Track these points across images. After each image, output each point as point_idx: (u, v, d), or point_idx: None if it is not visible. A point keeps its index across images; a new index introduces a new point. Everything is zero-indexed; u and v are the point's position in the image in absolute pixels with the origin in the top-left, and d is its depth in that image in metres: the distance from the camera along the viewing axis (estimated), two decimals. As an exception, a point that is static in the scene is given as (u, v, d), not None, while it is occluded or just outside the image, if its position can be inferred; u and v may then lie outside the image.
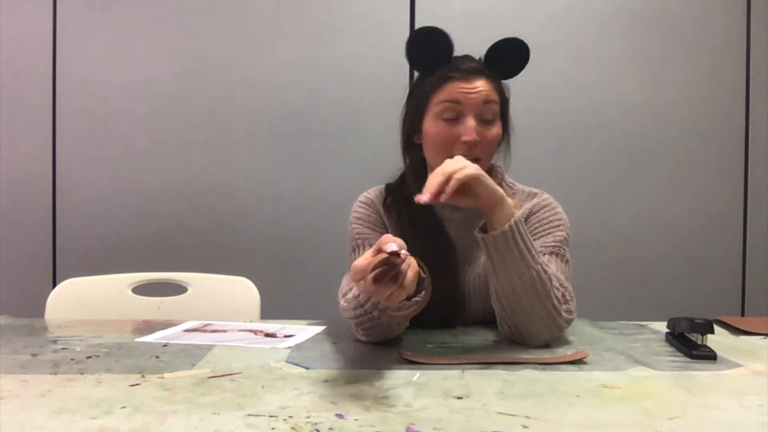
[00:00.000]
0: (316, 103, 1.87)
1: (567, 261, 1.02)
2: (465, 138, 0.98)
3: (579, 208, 1.88)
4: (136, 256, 1.86)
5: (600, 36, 1.88)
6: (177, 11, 1.89)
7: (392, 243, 0.69)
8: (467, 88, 0.99)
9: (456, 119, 1.00)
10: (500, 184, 1.07)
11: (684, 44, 1.88)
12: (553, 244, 1.02)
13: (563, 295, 0.93)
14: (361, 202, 1.12)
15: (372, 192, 1.13)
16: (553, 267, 0.97)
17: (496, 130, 1.02)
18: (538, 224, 1.05)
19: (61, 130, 1.89)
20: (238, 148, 1.89)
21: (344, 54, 1.85)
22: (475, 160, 0.98)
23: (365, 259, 0.71)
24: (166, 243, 1.88)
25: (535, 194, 1.11)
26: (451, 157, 0.95)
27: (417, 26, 1.85)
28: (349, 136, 1.82)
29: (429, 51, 1.02)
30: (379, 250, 0.70)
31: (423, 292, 0.78)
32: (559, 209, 1.09)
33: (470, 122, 0.99)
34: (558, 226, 1.05)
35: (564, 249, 1.03)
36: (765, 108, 1.88)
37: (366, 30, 1.85)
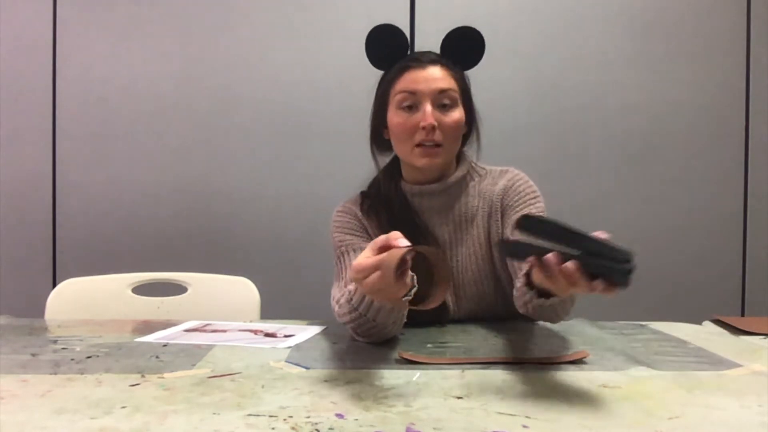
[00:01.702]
0: (316, 104, 1.88)
1: None
2: (422, 123, 1.02)
3: (579, 207, 1.89)
4: (136, 256, 1.86)
5: (600, 36, 1.88)
6: (177, 11, 1.89)
7: (403, 239, 0.70)
8: (422, 76, 1.03)
9: (414, 107, 1.03)
10: (470, 170, 1.13)
11: (684, 44, 1.88)
12: (537, 213, 1.06)
13: None
14: (339, 211, 1.14)
15: (347, 201, 1.16)
16: None
17: (455, 115, 1.05)
18: (517, 197, 1.08)
19: (61, 130, 1.89)
20: (238, 148, 1.89)
21: (344, 54, 1.85)
22: (437, 146, 1.03)
23: (367, 258, 0.71)
24: (166, 243, 1.88)
25: (507, 170, 1.15)
26: (416, 146, 1.02)
27: (417, 26, 1.86)
28: (349, 136, 1.82)
29: (386, 47, 1.07)
30: (382, 248, 0.71)
31: (414, 288, 0.78)
32: (533, 183, 1.12)
33: (427, 108, 1.02)
34: (536, 197, 1.09)
35: None
36: (765, 108, 1.88)
37: (366, 30, 1.84)
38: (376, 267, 0.70)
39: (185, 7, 1.88)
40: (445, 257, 0.75)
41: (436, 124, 1.02)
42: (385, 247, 0.72)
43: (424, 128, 1.02)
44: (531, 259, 0.64)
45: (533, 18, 1.88)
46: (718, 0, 1.88)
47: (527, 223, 0.66)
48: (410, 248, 0.69)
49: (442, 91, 1.03)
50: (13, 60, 1.88)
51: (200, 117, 1.89)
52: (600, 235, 0.62)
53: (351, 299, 0.87)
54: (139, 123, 1.89)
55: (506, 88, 1.86)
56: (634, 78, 1.88)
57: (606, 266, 0.59)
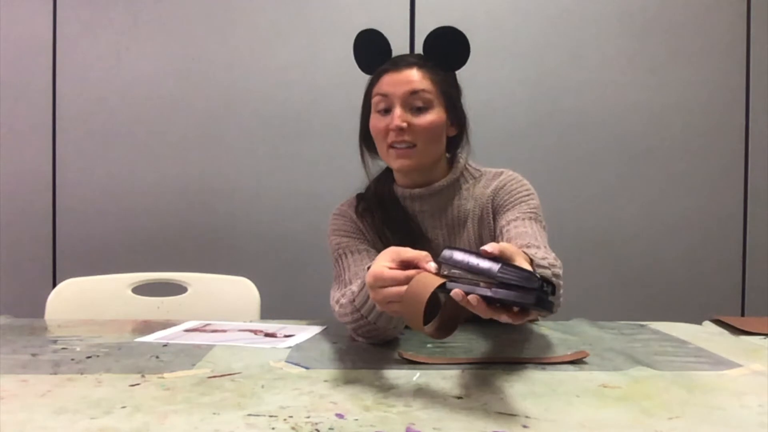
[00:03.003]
0: (317, 103, 1.88)
1: (544, 227, 1.04)
2: (390, 125, 1.02)
3: (579, 208, 1.89)
4: (136, 256, 1.86)
5: (600, 36, 1.88)
6: (177, 12, 1.88)
7: (433, 262, 0.70)
8: (395, 79, 1.04)
9: (389, 110, 1.04)
10: (463, 171, 1.12)
11: (684, 44, 1.88)
12: (528, 210, 1.04)
13: (554, 263, 0.90)
14: (335, 214, 1.15)
15: (344, 204, 1.16)
16: (534, 229, 0.98)
17: (430, 117, 1.04)
18: (508, 195, 1.07)
19: (61, 130, 1.89)
20: (238, 148, 1.89)
21: (344, 54, 1.84)
22: (410, 147, 1.03)
23: (389, 269, 0.71)
24: (166, 243, 1.88)
25: (501, 172, 1.13)
26: (390, 147, 1.03)
27: (417, 27, 1.86)
28: (349, 136, 1.81)
29: (371, 53, 1.08)
30: (406, 263, 0.71)
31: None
32: (527, 182, 1.10)
33: (396, 111, 1.02)
34: (529, 195, 1.07)
35: (540, 215, 1.04)
36: (765, 108, 1.88)
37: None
38: (397, 281, 0.70)
39: (185, 7, 1.88)
40: None
41: (404, 125, 1.02)
42: (410, 264, 0.72)
43: (393, 130, 1.02)
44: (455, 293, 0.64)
45: (533, 18, 1.87)
46: (718, 0, 1.88)
47: (448, 255, 0.68)
48: (444, 281, 0.66)
49: (414, 93, 1.03)
50: (13, 60, 1.88)
51: (200, 117, 1.89)
52: (519, 260, 0.66)
53: (354, 300, 0.87)
54: (139, 122, 1.89)
55: (506, 88, 1.86)
56: (633, 78, 1.88)
57: (511, 300, 0.60)
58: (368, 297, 0.83)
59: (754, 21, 1.87)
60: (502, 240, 0.98)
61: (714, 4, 1.88)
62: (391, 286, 0.71)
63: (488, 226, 1.08)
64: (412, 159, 1.04)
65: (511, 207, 1.05)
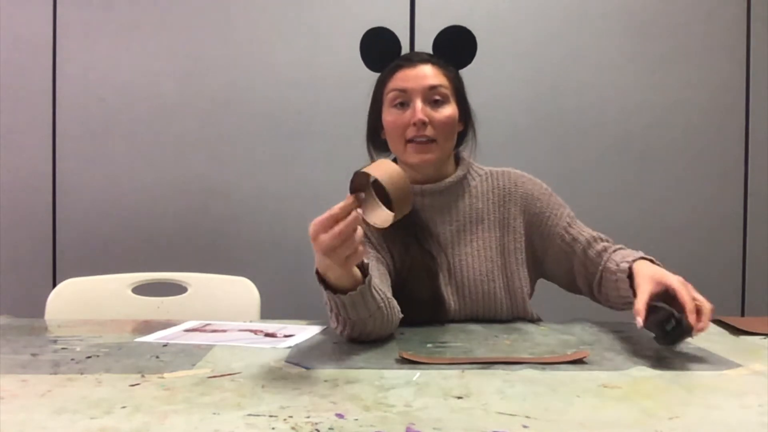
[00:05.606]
0: (316, 104, 1.88)
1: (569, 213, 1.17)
2: (412, 119, 1.03)
3: (579, 208, 1.87)
4: (136, 256, 1.86)
5: (600, 36, 1.88)
6: (177, 11, 1.88)
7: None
8: (412, 74, 1.05)
9: (406, 105, 1.05)
10: (470, 170, 1.14)
11: (684, 44, 1.88)
12: (568, 215, 1.15)
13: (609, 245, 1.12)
14: None
15: None
16: (582, 226, 1.14)
17: (447, 111, 1.06)
18: (546, 207, 1.14)
19: (61, 130, 1.89)
20: (239, 148, 1.89)
21: (343, 54, 1.85)
22: (430, 142, 1.04)
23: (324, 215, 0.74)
24: (166, 243, 1.88)
25: (509, 172, 1.16)
26: (408, 142, 1.04)
27: (417, 26, 1.86)
28: (349, 136, 1.82)
29: (380, 50, 1.09)
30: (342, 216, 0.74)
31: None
32: (540, 182, 1.18)
33: (417, 104, 1.03)
34: (553, 195, 1.17)
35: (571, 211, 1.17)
36: (765, 108, 1.88)
37: (366, 30, 1.84)
38: (335, 217, 0.73)
39: (185, 7, 1.88)
40: (403, 177, 0.75)
41: (426, 119, 1.03)
42: (342, 213, 0.76)
43: (414, 124, 1.03)
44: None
45: (533, 18, 1.87)
46: (718, 0, 1.88)
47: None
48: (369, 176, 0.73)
49: (433, 88, 1.04)
50: (13, 60, 1.88)
51: (200, 117, 1.89)
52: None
53: (327, 302, 0.87)
54: (139, 123, 1.89)
55: (506, 88, 1.86)
56: (633, 78, 1.88)
57: (654, 331, 0.86)
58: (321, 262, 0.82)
59: (754, 21, 1.87)
60: (587, 253, 1.10)
61: (714, 4, 1.88)
62: (330, 225, 0.73)
63: (513, 232, 1.11)
64: (432, 154, 1.05)
65: (555, 215, 1.13)
